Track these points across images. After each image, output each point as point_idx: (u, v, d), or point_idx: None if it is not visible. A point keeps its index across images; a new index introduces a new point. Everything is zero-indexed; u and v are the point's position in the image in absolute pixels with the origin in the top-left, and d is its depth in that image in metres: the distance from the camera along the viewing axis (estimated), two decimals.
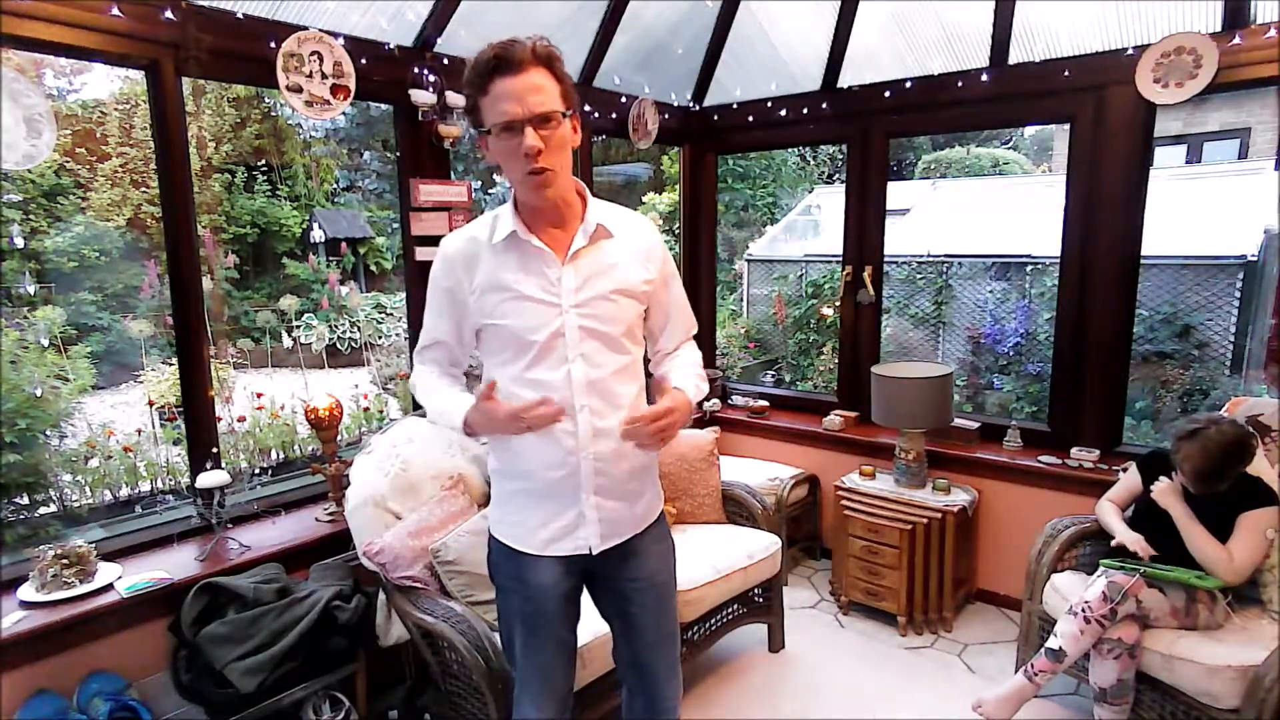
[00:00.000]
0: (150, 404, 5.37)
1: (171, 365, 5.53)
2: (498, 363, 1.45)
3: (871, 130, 3.49)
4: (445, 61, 2.82)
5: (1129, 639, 2.11)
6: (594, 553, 1.47)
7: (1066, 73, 2.92)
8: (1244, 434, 2.18)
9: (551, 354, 1.39)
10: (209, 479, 2.29)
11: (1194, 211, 6.01)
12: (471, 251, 1.42)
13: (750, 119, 3.85)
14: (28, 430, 3.62)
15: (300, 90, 2.37)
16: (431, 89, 2.75)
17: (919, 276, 6.92)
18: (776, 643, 2.89)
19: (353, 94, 2.49)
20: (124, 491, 4.14)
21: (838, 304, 3.91)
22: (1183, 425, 2.25)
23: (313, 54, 2.38)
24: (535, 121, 1.28)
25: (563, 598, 1.51)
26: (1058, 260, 3.12)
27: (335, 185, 12.41)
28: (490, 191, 8.77)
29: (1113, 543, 2.37)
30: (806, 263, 7.68)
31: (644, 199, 8.06)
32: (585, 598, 1.62)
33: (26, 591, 1.96)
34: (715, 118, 3.97)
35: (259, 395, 4.99)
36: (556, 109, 1.30)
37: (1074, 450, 2.99)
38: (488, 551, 1.59)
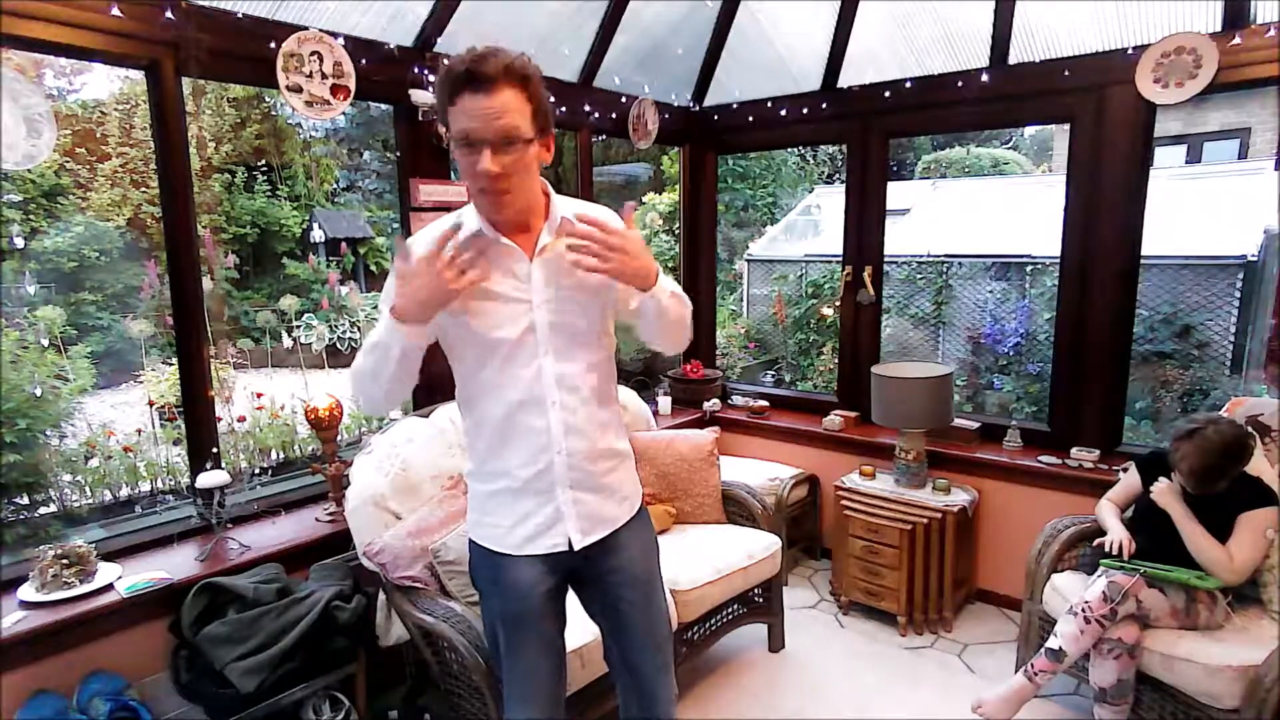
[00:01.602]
0: (150, 404, 5.37)
1: (171, 365, 5.53)
2: (470, 359, 1.42)
3: (871, 130, 3.49)
4: (445, 61, 2.81)
5: (1129, 639, 2.11)
6: (574, 548, 1.46)
7: (1066, 73, 2.92)
8: (1242, 434, 2.18)
9: (523, 350, 1.38)
10: (209, 479, 2.29)
11: (1194, 211, 6.01)
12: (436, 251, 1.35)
13: (750, 119, 3.85)
14: (28, 430, 3.62)
15: (300, 90, 2.37)
16: (431, 89, 2.75)
17: (919, 276, 6.92)
18: (776, 643, 2.89)
19: (353, 94, 2.49)
20: (124, 491, 4.14)
21: (838, 304, 3.92)
22: (1181, 425, 2.25)
23: (313, 54, 2.38)
24: (496, 144, 1.24)
25: (544, 597, 1.48)
26: (1058, 260, 3.12)
27: (335, 185, 12.42)
28: None
29: (1096, 541, 2.38)
30: (806, 263, 7.67)
31: (644, 199, 8.05)
32: (574, 603, 1.60)
33: (26, 591, 1.96)
34: (715, 118, 3.97)
35: (259, 395, 4.99)
36: (521, 133, 1.26)
37: (1074, 450, 2.99)
38: (469, 557, 1.57)
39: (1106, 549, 2.31)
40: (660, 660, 1.60)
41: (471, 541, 1.54)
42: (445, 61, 1.28)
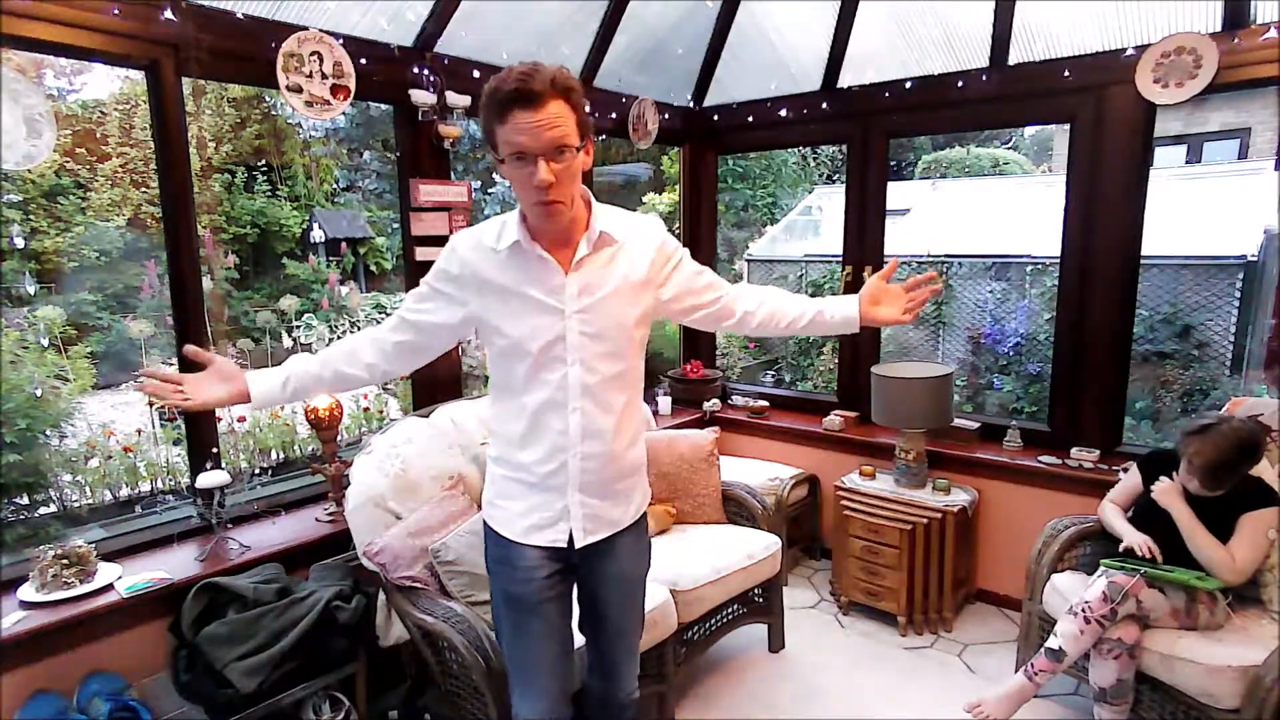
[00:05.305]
0: (150, 404, 5.36)
1: (171, 365, 5.52)
2: (503, 360, 1.49)
3: (871, 130, 3.49)
4: (445, 61, 2.82)
5: (1129, 639, 2.11)
6: (576, 546, 1.52)
7: (1066, 73, 2.92)
8: (1257, 433, 2.16)
9: (552, 358, 1.44)
10: (209, 479, 2.29)
11: (1194, 211, 6.01)
12: (479, 253, 1.45)
13: (750, 119, 3.85)
14: (28, 430, 3.62)
15: (300, 90, 2.37)
16: (431, 89, 2.75)
17: None
18: (776, 643, 2.89)
19: (353, 94, 2.49)
20: (124, 491, 4.14)
21: None
22: (1195, 420, 2.24)
23: (313, 54, 2.38)
24: (549, 155, 1.29)
25: (545, 584, 1.54)
26: (1058, 260, 3.12)
27: (335, 185, 12.39)
28: (490, 191, 8.76)
29: (1121, 547, 2.31)
30: (806, 263, 7.68)
31: (644, 199, 8.05)
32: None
33: (26, 591, 1.96)
34: (715, 118, 3.97)
35: None
36: (571, 143, 1.31)
37: (1074, 450, 2.99)
38: (483, 535, 1.64)
39: (1134, 553, 2.25)
40: (625, 648, 1.73)
41: (484, 522, 1.62)
42: (489, 84, 1.30)
